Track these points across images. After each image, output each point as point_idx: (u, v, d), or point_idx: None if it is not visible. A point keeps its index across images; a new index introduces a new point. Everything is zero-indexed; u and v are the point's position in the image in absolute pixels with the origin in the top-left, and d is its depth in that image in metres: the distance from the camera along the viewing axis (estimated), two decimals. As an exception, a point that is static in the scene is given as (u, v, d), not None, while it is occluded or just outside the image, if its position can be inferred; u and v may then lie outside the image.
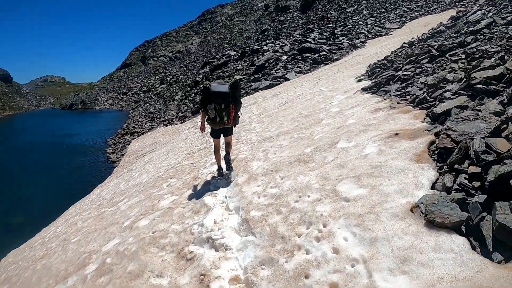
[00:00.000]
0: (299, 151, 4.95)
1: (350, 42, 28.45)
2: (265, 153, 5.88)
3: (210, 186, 5.33)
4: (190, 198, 5.13)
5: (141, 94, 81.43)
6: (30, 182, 26.26)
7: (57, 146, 39.76)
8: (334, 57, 25.21)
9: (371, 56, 16.26)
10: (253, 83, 23.00)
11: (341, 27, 35.06)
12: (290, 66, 24.32)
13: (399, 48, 13.13)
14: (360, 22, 36.64)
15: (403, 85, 7.14)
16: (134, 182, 9.73)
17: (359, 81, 10.46)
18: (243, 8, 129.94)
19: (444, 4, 33.71)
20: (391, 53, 12.88)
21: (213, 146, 5.92)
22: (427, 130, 4.03)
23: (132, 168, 14.33)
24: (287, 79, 21.74)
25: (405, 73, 7.75)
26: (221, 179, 5.50)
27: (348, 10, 54.54)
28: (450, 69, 6.25)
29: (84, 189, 18.36)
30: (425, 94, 5.64)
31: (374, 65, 11.90)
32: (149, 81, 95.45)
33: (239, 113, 5.32)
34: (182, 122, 24.30)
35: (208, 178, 5.86)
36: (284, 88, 18.01)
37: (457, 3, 31.25)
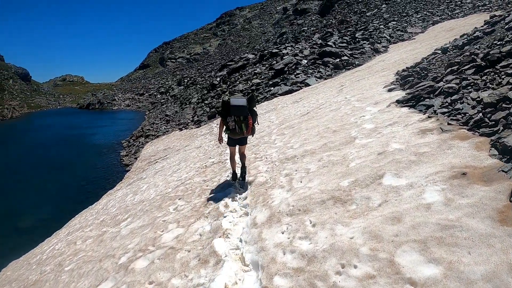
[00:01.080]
0: (333, 184, 4.00)
1: (372, 47, 27.41)
2: (289, 179, 4.96)
3: (222, 220, 4.43)
4: (198, 235, 4.25)
5: (158, 96, 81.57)
6: (42, 181, 26.17)
7: (72, 145, 39.88)
8: (356, 62, 24.17)
9: (396, 62, 15.41)
10: (272, 88, 22.11)
11: (362, 31, 34.09)
12: (310, 71, 23.35)
13: (431, 55, 12.04)
14: (381, 26, 35.80)
15: (449, 100, 6.11)
16: (140, 197, 8.95)
17: (389, 90, 9.45)
18: (261, 11, 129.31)
19: (467, 8, 32.88)
20: (422, 59, 11.80)
21: (228, 158, 6.92)
22: (502, 170, 3.04)
23: (142, 177, 13.61)
24: (307, 85, 20.78)
25: (449, 85, 6.71)
26: (235, 193, 5.59)
27: (368, 14, 53.60)
28: (510, 85, 5.23)
29: (95, 193, 17.97)
30: (481, 114, 4.65)
31: (405, 73, 10.88)
32: (167, 83, 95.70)
33: (255, 123, 5.70)
34: (198, 127, 23.58)
35: (220, 207, 4.97)
36: (305, 94, 17.07)
37: (480, 7, 30.84)
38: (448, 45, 12.09)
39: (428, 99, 6.70)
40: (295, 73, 23.26)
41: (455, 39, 13.65)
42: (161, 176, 10.87)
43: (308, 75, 22.50)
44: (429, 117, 5.60)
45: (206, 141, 14.50)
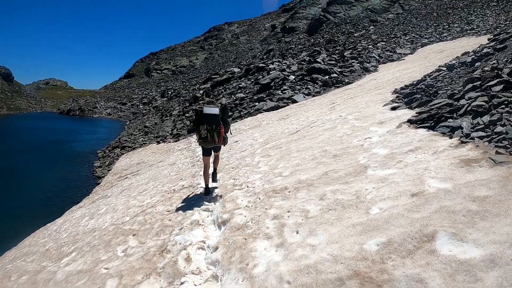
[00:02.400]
0: (352, 245, 2.56)
1: (361, 66, 26.64)
2: (279, 225, 3.51)
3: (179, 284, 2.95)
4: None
5: (141, 106, 79.50)
6: (3, 190, 23.88)
7: (44, 152, 37.53)
8: (346, 80, 23.18)
9: (390, 81, 14.61)
10: (257, 103, 20.81)
11: (351, 50, 33.48)
12: (298, 87, 22.18)
13: (434, 72, 11.01)
14: (370, 46, 35.59)
15: (480, 121, 4.87)
16: (94, 224, 7.36)
17: (393, 108, 8.26)
18: (249, 27, 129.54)
19: (455, 32, 33.66)
20: (425, 77, 10.74)
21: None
22: None
23: (106, 195, 11.95)
24: (294, 101, 19.57)
25: (476, 103, 5.49)
26: (203, 238, 4.37)
27: (356, 35, 54.16)
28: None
29: (60, 207, 16.15)
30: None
31: (405, 90, 9.93)
32: (150, 93, 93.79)
33: (228, 133, 5.79)
34: (176, 141, 22.01)
35: (180, 261, 3.50)
36: (292, 111, 15.81)
37: (468, 31, 31.64)
38: (453, 62, 11.06)
39: (451, 119, 5.43)
40: (281, 89, 22.07)
41: (459, 56, 12.72)
42: (124, 197, 9.28)
43: (296, 91, 21.33)
44: (462, 142, 4.32)
45: (181, 158, 12.99)
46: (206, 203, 5.61)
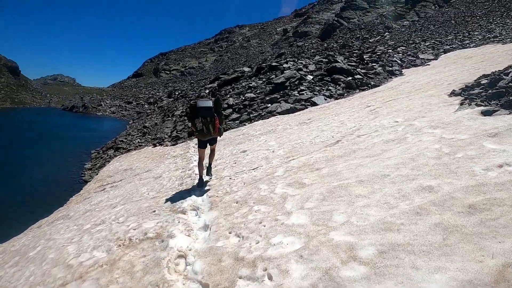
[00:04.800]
0: None
1: (384, 69, 23.85)
2: None
3: None
4: None
5: (146, 106, 76.82)
6: None
7: (36, 148, 35.10)
8: (372, 83, 20.24)
9: (429, 83, 12.63)
10: (269, 105, 17.77)
11: (369, 54, 30.69)
12: (317, 88, 19.13)
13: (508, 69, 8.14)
14: (390, 50, 33.86)
15: None
16: (38, 260, 4.49)
17: (484, 113, 5.33)
18: (261, 31, 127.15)
19: (477, 39, 33.07)
20: (498, 75, 7.80)
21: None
22: None
23: (68, 214, 8.98)
24: (314, 104, 16.53)
25: None
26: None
27: (370, 40, 52.58)
28: None
29: (39, 212, 13.23)
30: None
31: (478, 90, 7.13)
32: (157, 94, 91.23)
33: (222, 124, 5.77)
34: (174, 144, 19.02)
35: None
36: (314, 114, 12.80)
37: (491, 39, 31.03)
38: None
39: None
40: (298, 89, 19.03)
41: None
42: (90, 217, 6.35)
43: (315, 93, 18.29)
44: None
45: (171, 169, 9.96)
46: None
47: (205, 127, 5.44)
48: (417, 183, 3.41)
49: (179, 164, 10.50)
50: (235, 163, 7.22)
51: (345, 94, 18.49)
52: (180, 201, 5.23)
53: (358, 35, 63.62)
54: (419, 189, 3.28)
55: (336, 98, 17.66)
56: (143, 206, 5.69)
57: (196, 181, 6.45)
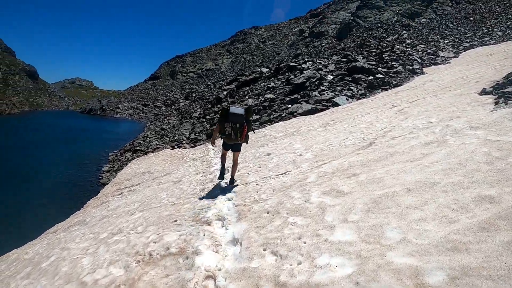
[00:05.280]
0: None
1: (405, 68, 23.12)
2: None
3: None
4: None
5: (163, 108, 77.08)
6: (7, 191, 21.30)
7: (54, 151, 35.35)
8: (394, 82, 19.55)
9: (455, 81, 12.09)
10: (289, 106, 17.28)
11: (388, 52, 29.92)
12: (338, 88, 18.55)
13: None
14: (409, 49, 33.20)
15: None
16: (51, 273, 4.24)
17: None
18: (277, 32, 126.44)
19: (497, 36, 32.13)
20: None
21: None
22: None
23: (85, 220, 8.67)
24: (336, 104, 15.98)
25: None
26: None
27: (388, 39, 51.78)
28: None
29: (56, 215, 13.27)
30: None
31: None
32: (174, 96, 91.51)
33: (251, 132, 5.97)
34: (192, 147, 18.72)
35: None
36: (338, 115, 12.27)
37: (511, 35, 30.50)
38: None
39: None
40: (319, 90, 18.49)
41: None
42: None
43: (336, 93, 17.72)
44: None
45: (191, 173, 9.58)
46: None
47: (233, 133, 5.51)
48: (474, 192, 2.92)
49: (199, 168, 10.12)
50: (260, 167, 6.78)
51: (367, 94, 17.88)
52: (204, 209, 4.81)
53: (375, 34, 62.58)
54: (478, 199, 2.79)
55: (358, 98, 17.07)
56: (163, 214, 5.29)
57: (218, 181, 6.64)
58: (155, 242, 3.87)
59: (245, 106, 5.78)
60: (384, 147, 5.33)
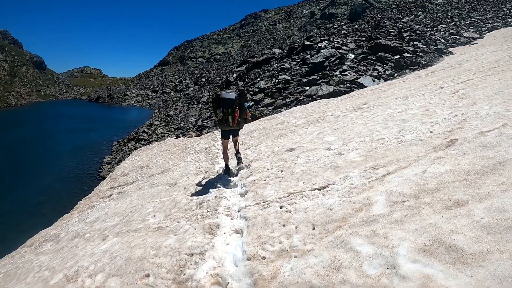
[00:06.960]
0: None
1: (429, 48, 20.89)
2: None
3: None
4: None
5: (172, 94, 75.13)
6: (6, 184, 20.38)
7: (57, 142, 34.49)
8: (423, 62, 17.30)
9: (499, 61, 10.49)
10: (307, 88, 15.16)
11: (408, 32, 27.49)
12: (362, 68, 16.34)
13: None
14: (430, 29, 31.54)
15: None
16: None
17: None
18: (287, 14, 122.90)
19: None
20: None
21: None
22: None
23: (68, 231, 6.86)
24: (361, 85, 13.85)
25: None
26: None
27: (404, 20, 49.40)
28: None
29: (49, 215, 11.94)
30: None
31: None
32: (184, 81, 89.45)
33: (246, 116, 5.77)
34: (198, 135, 16.81)
35: None
36: (367, 98, 10.19)
37: None
38: None
39: None
40: (340, 70, 16.31)
41: None
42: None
43: (361, 73, 15.54)
44: None
45: (191, 172, 7.62)
46: None
47: (225, 118, 5.46)
48: None
49: (201, 165, 8.19)
50: (281, 171, 4.78)
51: (395, 75, 15.69)
52: (194, 257, 2.86)
53: (389, 15, 60.11)
54: None
55: (386, 79, 14.92)
56: (135, 255, 3.34)
57: (221, 189, 5.64)
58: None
59: (237, 92, 5.74)
60: (479, 148, 3.27)
